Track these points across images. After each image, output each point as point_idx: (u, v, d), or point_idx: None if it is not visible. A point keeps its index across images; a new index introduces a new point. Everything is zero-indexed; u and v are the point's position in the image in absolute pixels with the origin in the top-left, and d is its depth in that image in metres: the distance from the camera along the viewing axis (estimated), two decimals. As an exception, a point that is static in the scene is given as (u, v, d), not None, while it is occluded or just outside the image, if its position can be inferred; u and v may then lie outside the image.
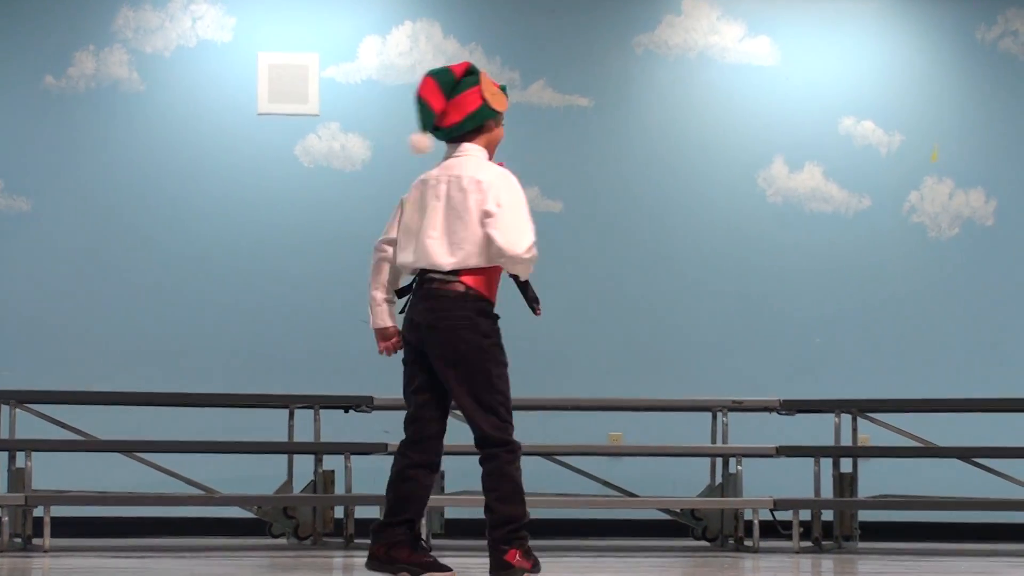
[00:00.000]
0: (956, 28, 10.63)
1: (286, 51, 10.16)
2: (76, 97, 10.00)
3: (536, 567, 5.66)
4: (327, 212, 9.94)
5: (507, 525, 5.64)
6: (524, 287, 5.73)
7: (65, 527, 8.52)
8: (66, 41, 10.01)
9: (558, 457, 8.98)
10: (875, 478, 9.19)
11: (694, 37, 10.46)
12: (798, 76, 10.51)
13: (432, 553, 5.90)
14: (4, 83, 9.96)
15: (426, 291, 5.66)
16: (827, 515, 8.92)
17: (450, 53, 9.96)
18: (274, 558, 7.35)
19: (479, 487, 5.72)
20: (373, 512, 8.40)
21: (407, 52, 10.13)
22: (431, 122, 5.77)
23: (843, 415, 9.02)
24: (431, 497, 8.23)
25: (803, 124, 10.48)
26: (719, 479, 8.93)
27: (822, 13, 10.55)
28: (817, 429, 9.10)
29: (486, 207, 5.61)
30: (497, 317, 5.73)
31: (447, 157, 5.80)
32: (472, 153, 5.78)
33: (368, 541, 8.38)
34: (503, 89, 5.94)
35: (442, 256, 5.64)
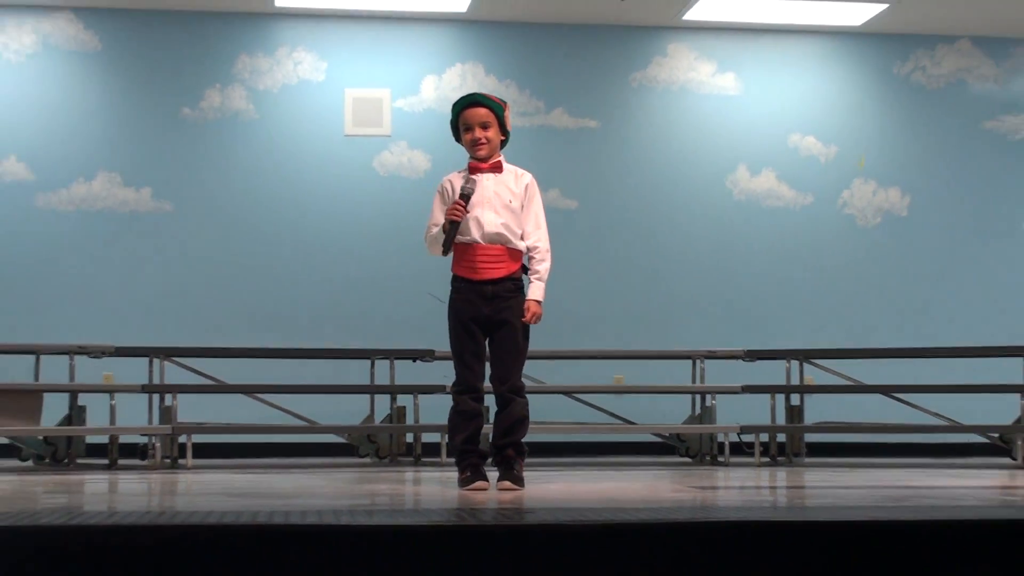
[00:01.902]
0: (878, 64, 10.61)
1: (366, 87, 10.16)
2: (206, 124, 10.02)
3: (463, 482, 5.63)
4: (398, 210, 9.94)
5: None
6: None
7: (202, 451, 8.55)
8: (198, 81, 10.02)
9: (575, 395, 8.98)
10: (817, 409, 9.17)
11: (676, 74, 10.43)
12: (756, 102, 10.49)
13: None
14: (151, 113, 9.98)
15: None
16: (781, 437, 8.90)
17: (490, 87, 9.96)
18: (360, 473, 7.37)
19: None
20: (436, 437, 8.43)
21: (457, 87, 10.12)
22: None
23: (792, 361, 8.99)
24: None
25: (760, 139, 10.46)
26: (698, 410, 8.91)
27: (775, 55, 10.53)
28: (772, 372, 9.08)
29: None
30: (452, 285, 5.70)
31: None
32: None
33: (437, 459, 8.41)
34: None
35: None
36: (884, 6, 9.95)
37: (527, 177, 5.73)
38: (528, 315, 5.60)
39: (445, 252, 5.66)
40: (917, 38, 10.63)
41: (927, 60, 10.65)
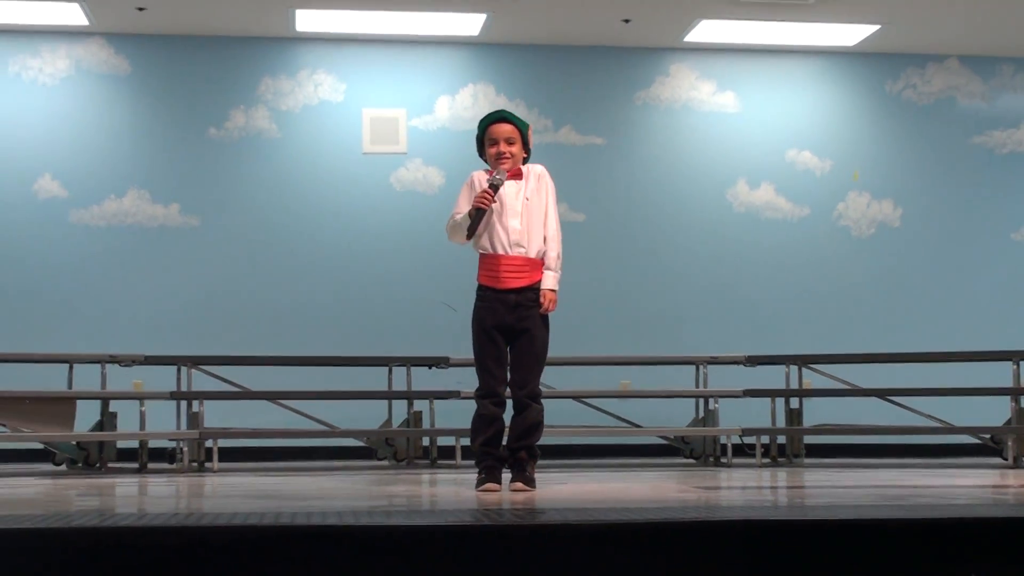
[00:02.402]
0: (871, 82, 10.60)
1: (383, 107, 10.16)
2: (232, 143, 10.03)
3: (478, 483, 5.61)
4: (414, 224, 9.94)
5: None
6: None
7: (228, 454, 8.56)
8: (224, 102, 10.04)
9: (584, 399, 8.96)
10: (816, 412, 9.15)
11: (679, 93, 10.43)
12: (755, 119, 10.47)
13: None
14: (179, 133, 9.99)
15: None
16: (781, 439, 8.88)
17: (501, 107, 9.89)
18: (379, 475, 7.36)
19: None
20: (451, 441, 8.41)
21: (470, 107, 10.12)
22: None
23: (791, 366, 8.98)
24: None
25: (759, 154, 10.45)
26: (702, 414, 8.90)
27: (772, 74, 10.52)
28: (772, 376, 9.06)
29: None
30: (477, 294, 5.65)
31: None
32: None
33: (453, 462, 8.39)
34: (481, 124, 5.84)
35: None
36: (876, 27, 9.95)
37: (538, 168, 5.75)
38: (545, 302, 5.58)
39: (469, 236, 5.63)
40: (908, 57, 10.62)
41: (917, 78, 10.64)
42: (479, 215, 5.56)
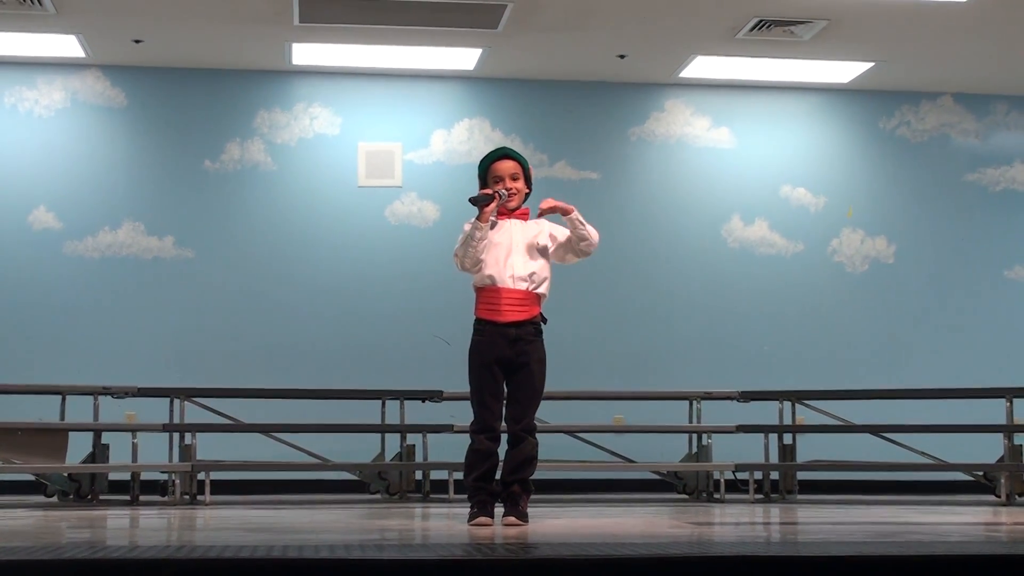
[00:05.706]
0: (865, 119, 10.65)
1: (378, 141, 10.19)
2: (227, 175, 10.05)
3: (471, 517, 5.57)
4: (408, 257, 9.96)
5: None
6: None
7: (220, 487, 8.52)
8: (219, 134, 10.07)
9: (577, 434, 8.94)
10: (809, 448, 9.13)
11: (674, 128, 10.47)
12: (749, 155, 10.51)
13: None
14: (174, 165, 10.01)
15: None
16: (774, 475, 8.86)
17: (496, 141, 9.98)
18: (371, 509, 7.33)
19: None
20: (444, 475, 8.39)
21: (465, 141, 10.16)
22: None
23: (785, 402, 8.97)
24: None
25: (753, 190, 10.48)
26: (695, 449, 8.88)
27: (767, 110, 10.57)
28: (766, 412, 9.05)
29: None
30: (475, 328, 5.62)
31: None
32: None
33: (446, 496, 8.36)
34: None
35: None
36: (871, 64, 10.00)
37: (543, 221, 5.76)
38: (555, 202, 5.59)
39: (479, 219, 5.52)
40: (902, 95, 10.68)
41: (911, 116, 10.69)
42: (486, 199, 5.51)
